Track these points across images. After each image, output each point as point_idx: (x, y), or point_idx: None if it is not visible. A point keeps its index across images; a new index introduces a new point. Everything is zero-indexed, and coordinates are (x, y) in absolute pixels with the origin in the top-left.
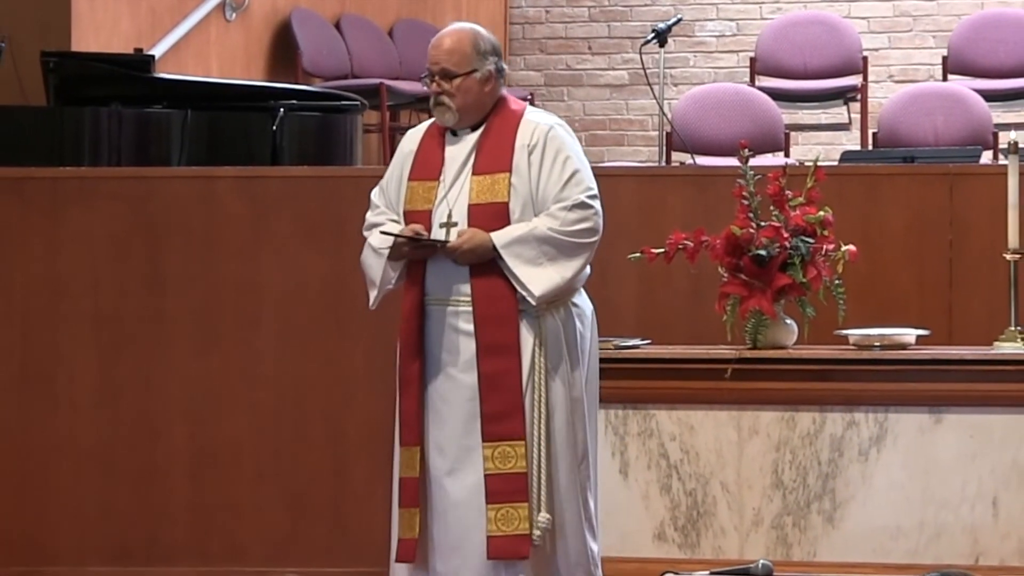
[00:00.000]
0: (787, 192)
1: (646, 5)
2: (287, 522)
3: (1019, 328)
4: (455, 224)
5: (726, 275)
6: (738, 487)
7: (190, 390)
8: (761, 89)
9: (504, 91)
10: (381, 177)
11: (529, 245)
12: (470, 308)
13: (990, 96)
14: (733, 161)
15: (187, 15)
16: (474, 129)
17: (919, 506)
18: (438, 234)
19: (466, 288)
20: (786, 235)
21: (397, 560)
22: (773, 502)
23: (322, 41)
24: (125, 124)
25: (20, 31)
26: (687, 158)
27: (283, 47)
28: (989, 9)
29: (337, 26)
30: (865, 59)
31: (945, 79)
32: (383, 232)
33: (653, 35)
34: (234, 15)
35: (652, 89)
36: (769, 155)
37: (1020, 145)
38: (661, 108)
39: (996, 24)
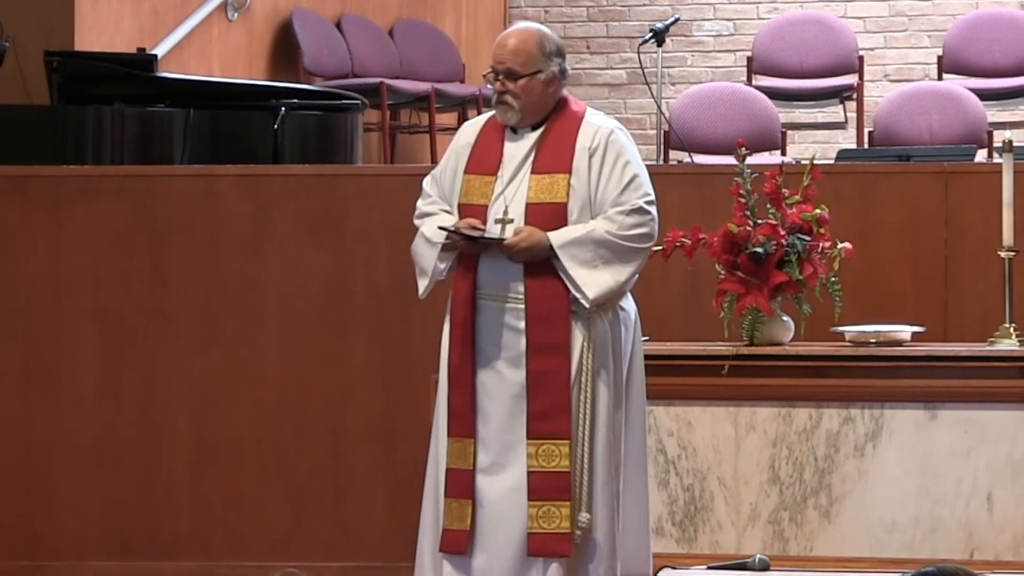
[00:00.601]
0: (784, 190)
1: (644, 5)
2: (288, 517)
3: (1013, 325)
4: (511, 221)
5: (723, 272)
6: (735, 482)
7: (192, 386)
8: (758, 88)
9: (565, 91)
10: (382, 175)
11: (586, 247)
12: (522, 305)
13: (985, 95)
14: (730, 159)
15: (189, 15)
16: (535, 128)
17: (914, 501)
18: (493, 229)
19: (519, 285)
20: (783, 233)
21: (444, 550)
22: (770, 497)
23: (323, 41)
24: (128, 123)
25: (24, 31)
26: (685, 156)
27: (284, 47)
28: (984, 9)
29: (338, 26)
30: (861, 58)
31: (940, 78)
32: (440, 227)
33: (651, 35)
34: (236, 15)
35: (650, 88)
36: (766, 154)
37: (1014, 144)
38: (659, 107)
39: (991, 24)
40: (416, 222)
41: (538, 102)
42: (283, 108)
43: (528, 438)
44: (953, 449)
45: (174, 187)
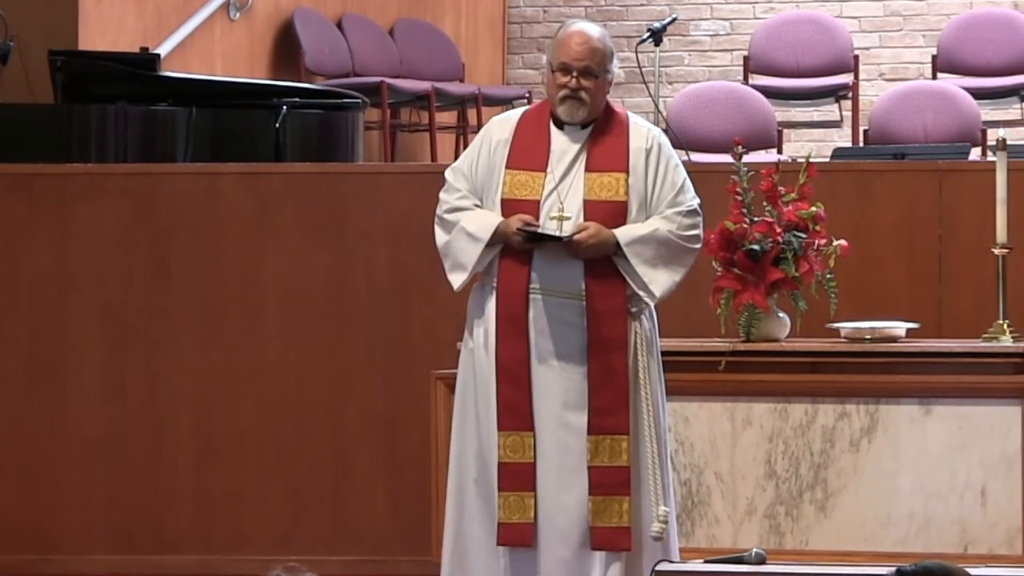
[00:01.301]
0: (780, 188)
1: (642, 5)
2: (289, 511)
3: (1007, 321)
4: (568, 218)
5: (720, 269)
6: (732, 477)
7: (195, 382)
8: (754, 87)
9: None
10: (382, 173)
11: (649, 245)
12: (580, 301)
13: (979, 94)
14: (727, 158)
15: (192, 15)
16: (584, 126)
17: (909, 496)
18: (548, 225)
19: (578, 281)
20: (779, 230)
21: (506, 543)
22: (766, 492)
23: (324, 40)
24: (131, 121)
25: (28, 31)
26: (682, 155)
27: (286, 46)
28: (978, 9)
29: (339, 25)
30: (856, 58)
31: (935, 77)
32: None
33: (649, 34)
34: (238, 15)
35: (648, 87)
36: (762, 152)
37: (1008, 142)
38: (656, 106)
39: (985, 23)
40: (447, 216)
41: (601, 101)
42: (284, 107)
43: (589, 433)
44: (947, 444)
45: (177, 185)
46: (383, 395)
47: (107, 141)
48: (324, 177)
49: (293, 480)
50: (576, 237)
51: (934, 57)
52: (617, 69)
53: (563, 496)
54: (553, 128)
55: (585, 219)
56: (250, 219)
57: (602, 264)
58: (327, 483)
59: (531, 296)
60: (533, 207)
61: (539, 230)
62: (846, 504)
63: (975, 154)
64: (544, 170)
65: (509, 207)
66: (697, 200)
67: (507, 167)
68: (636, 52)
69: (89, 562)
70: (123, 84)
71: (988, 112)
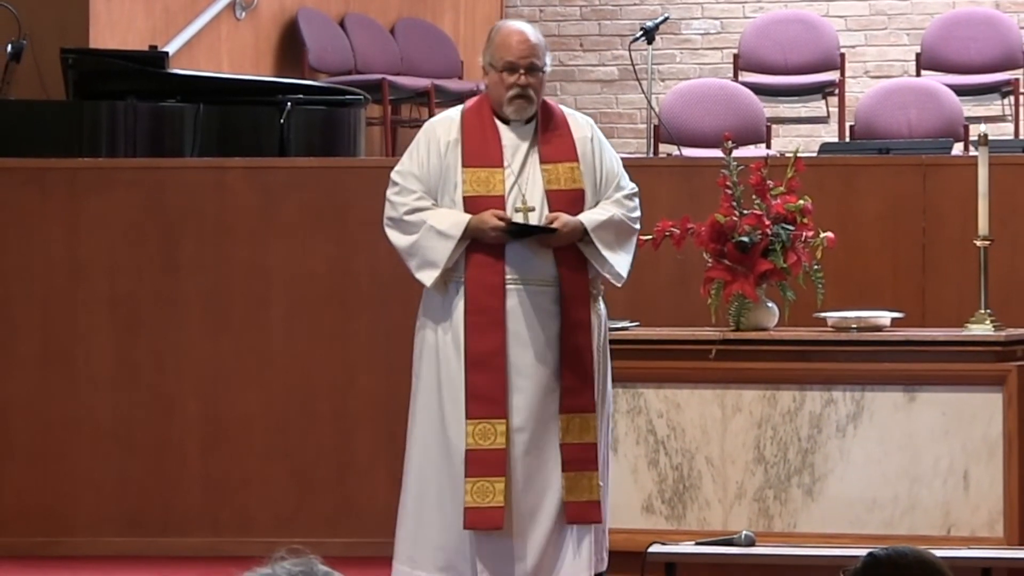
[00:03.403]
0: (769, 182)
1: (635, 4)
2: (294, 494)
3: (989, 311)
4: (532, 209)
5: (711, 261)
6: (722, 462)
7: (202, 369)
8: (744, 84)
9: None
10: (383, 168)
11: (609, 231)
12: (553, 288)
13: (961, 91)
14: (717, 152)
15: (199, 14)
16: (527, 121)
17: (894, 480)
18: (514, 218)
19: (550, 269)
20: (768, 223)
21: (476, 527)
22: (755, 476)
23: (327, 39)
24: (140, 117)
25: (41, 29)
26: (674, 150)
27: (290, 44)
28: (960, 8)
29: (342, 24)
30: (842, 56)
31: (918, 75)
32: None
33: (642, 33)
34: (244, 14)
35: (640, 84)
36: (751, 147)
37: (989, 137)
38: (649, 102)
39: (967, 22)
40: (408, 217)
41: (542, 96)
42: (289, 103)
43: (560, 412)
44: (931, 430)
45: (185, 179)
46: (384, 380)
47: (117, 136)
48: (327, 171)
49: (297, 464)
50: (557, 225)
51: (918, 55)
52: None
53: (539, 476)
54: (499, 124)
55: (550, 209)
56: (255, 211)
57: (569, 251)
58: (330, 467)
59: (508, 287)
60: (499, 202)
61: (524, 224)
62: (833, 488)
63: (958, 149)
64: (501, 165)
65: (473, 204)
66: (633, 183)
67: (464, 165)
68: (629, 50)
69: (100, 544)
70: (133, 81)
71: (970, 108)
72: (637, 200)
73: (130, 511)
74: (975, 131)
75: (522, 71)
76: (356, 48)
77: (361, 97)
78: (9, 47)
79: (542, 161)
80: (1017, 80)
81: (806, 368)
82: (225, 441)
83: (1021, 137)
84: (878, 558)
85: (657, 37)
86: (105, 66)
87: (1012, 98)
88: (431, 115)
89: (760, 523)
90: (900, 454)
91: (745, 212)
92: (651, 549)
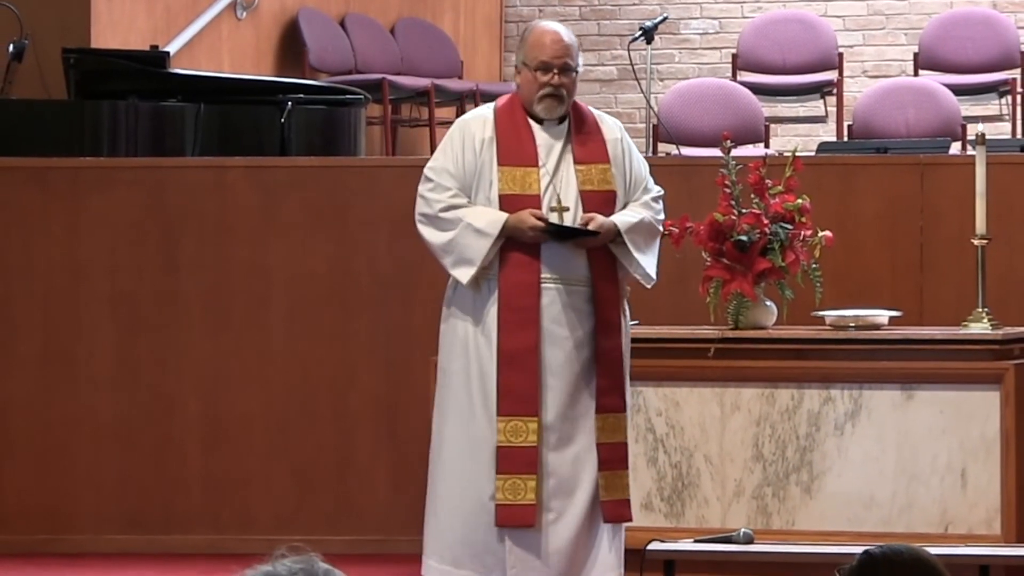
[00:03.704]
0: (767, 181)
1: (634, 4)
2: (294, 492)
3: (986, 309)
4: (566, 209)
5: (709, 259)
6: (721, 460)
7: (203, 367)
8: (743, 84)
9: None
10: (383, 167)
11: (640, 232)
12: (586, 288)
13: (958, 90)
14: (716, 152)
15: (200, 14)
16: (560, 122)
17: (892, 478)
18: (549, 217)
19: (584, 269)
20: (766, 222)
21: (507, 524)
22: (754, 474)
23: (328, 38)
24: (142, 117)
25: (42, 29)
26: (673, 149)
27: (291, 44)
28: (958, 8)
29: (342, 24)
30: (841, 55)
31: (916, 74)
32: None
33: (640, 33)
34: (245, 14)
35: (640, 84)
36: (750, 146)
37: (987, 137)
38: (648, 102)
39: (964, 22)
40: (444, 215)
41: (574, 96)
42: (289, 103)
43: (596, 412)
44: (928, 428)
45: (186, 178)
46: (384, 379)
47: (118, 135)
48: (327, 170)
49: (297, 462)
50: (593, 227)
51: (916, 55)
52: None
53: (569, 475)
54: (533, 124)
55: (585, 210)
56: (256, 210)
57: (601, 252)
58: (330, 465)
59: (543, 286)
60: (535, 201)
61: (560, 224)
62: (831, 486)
63: (955, 148)
64: (536, 165)
65: (509, 202)
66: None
67: (500, 164)
68: (628, 50)
69: (101, 541)
70: (134, 81)
71: (968, 108)
72: (662, 203)
73: (131, 509)
74: (972, 130)
75: (556, 71)
76: (356, 48)
77: (361, 97)
78: (11, 47)
79: (576, 162)
80: (1014, 80)
81: (804, 366)
82: (226, 440)
83: (1018, 136)
84: (874, 556)
85: (656, 37)
86: (106, 66)
87: (1009, 97)
88: (431, 114)
89: (758, 521)
90: (898, 452)
91: (744, 211)
92: (650, 546)
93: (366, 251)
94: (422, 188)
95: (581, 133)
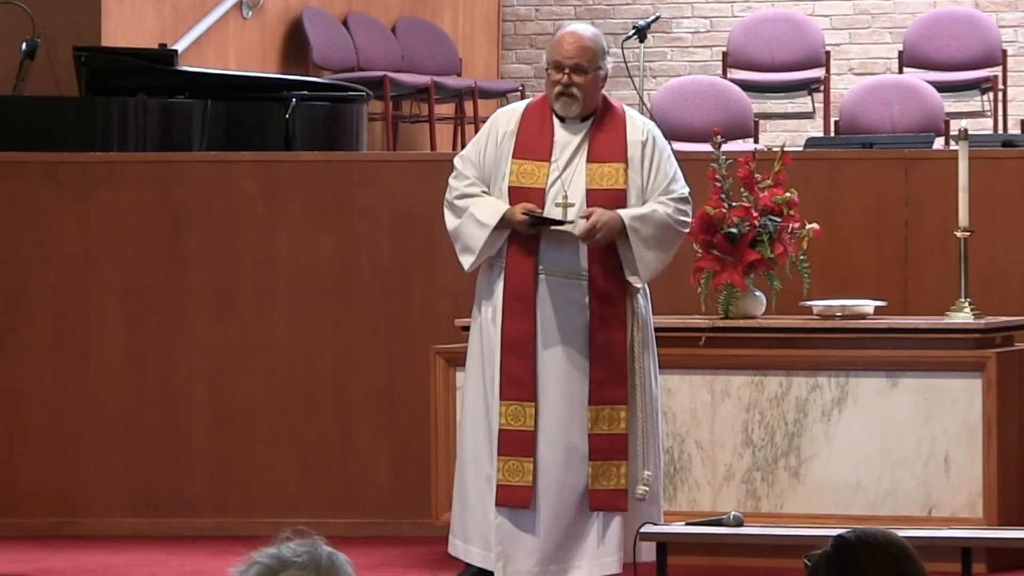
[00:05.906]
0: (756, 175)
1: (627, 4)
2: (298, 477)
3: (968, 300)
4: (571, 204)
5: (700, 251)
6: (711, 445)
7: (210, 356)
8: (733, 81)
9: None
10: (385, 161)
11: (648, 224)
12: (584, 282)
13: (942, 87)
14: (707, 147)
15: (207, 13)
16: (584, 119)
17: (877, 463)
18: (553, 211)
19: (582, 264)
20: (755, 214)
21: (506, 504)
22: (743, 459)
23: (331, 37)
24: (150, 113)
25: (54, 28)
26: None
27: (295, 42)
28: (942, 8)
29: (345, 23)
30: (828, 53)
31: (901, 72)
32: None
33: (634, 31)
34: (250, 13)
35: (633, 81)
36: (740, 141)
37: (969, 132)
38: (641, 99)
39: (948, 21)
40: (457, 202)
41: (594, 96)
42: (294, 99)
43: (589, 404)
44: (913, 414)
45: (193, 172)
46: (385, 368)
47: (128, 131)
48: (330, 165)
49: (301, 448)
50: (584, 222)
51: (900, 53)
52: (610, 66)
53: (563, 461)
54: (555, 121)
55: (589, 205)
56: (261, 204)
57: (602, 248)
58: (333, 451)
59: (539, 276)
60: (539, 195)
61: (542, 215)
62: (818, 470)
63: (939, 144)
64: (548, 160)
65: (516, 194)
66: (687, 189)
67: (514, 157)
68: (622, 48)
69: (111, 524)
70: (143, 78)
71: (951, 104)
72: (687, 205)
73: (140, 493)
74: (955, 126)
75: (567, 70)
76: (359, 46)
77: (363, 93)
78: (24, 45)
79: (589, 159)
80: (996, 77)
81: (792, 355)
82: (231, 426)
83: (1000, 132)
84: (848, 540)
85: (649, 36)
86: (116, 64)
87: (991, 94)
88: (431, 111)
89: (748, 504)
90: (883, 438)
91: (734, 204)
92: (642, 529)
93: (368, 244)
94: (450, 175)
95: (602, 132)
